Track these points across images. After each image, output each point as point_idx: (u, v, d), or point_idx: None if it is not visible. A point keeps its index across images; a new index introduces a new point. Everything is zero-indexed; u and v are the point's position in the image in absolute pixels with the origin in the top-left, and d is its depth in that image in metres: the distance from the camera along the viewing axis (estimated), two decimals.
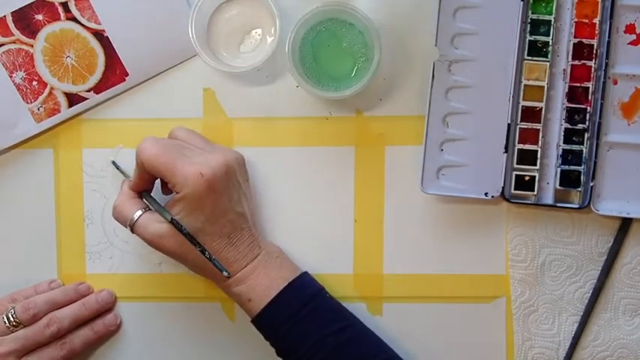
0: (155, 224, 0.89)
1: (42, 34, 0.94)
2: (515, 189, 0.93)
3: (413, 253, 0.96)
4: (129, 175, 0.94)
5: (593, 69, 0.92)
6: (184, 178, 0.86)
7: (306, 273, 0.92)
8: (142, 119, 0.97)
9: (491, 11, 0.92)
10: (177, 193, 0.88)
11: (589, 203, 0.92)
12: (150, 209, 0.91)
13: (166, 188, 0.93)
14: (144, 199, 0.92)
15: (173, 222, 0.87)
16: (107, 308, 0.97)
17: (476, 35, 0.92)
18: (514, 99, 0.92)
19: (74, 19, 0.94)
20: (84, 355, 0.97)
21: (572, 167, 0.92)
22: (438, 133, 0.93)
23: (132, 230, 0.90)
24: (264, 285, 0.90)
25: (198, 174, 0.86)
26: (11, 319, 0.92)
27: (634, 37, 0.92)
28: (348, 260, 0.96)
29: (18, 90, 0.95)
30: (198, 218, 0.88)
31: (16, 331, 0.92)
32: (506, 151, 0.92)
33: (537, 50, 0.92)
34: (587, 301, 0.95)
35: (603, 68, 0.91)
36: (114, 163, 0.96)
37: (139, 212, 0.90)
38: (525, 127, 0.93)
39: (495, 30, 0.92)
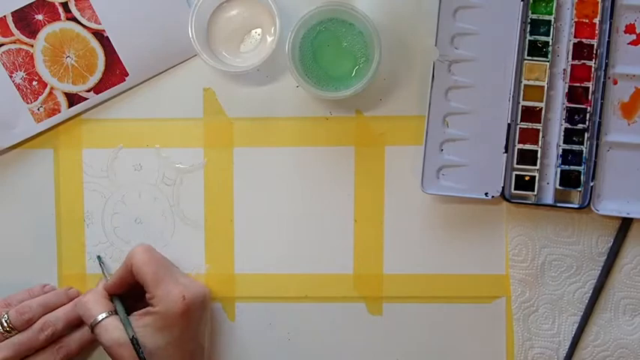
0: (118, 331, 0.88)
1: (42, 34, 0.94)
2: (515, 189, 0.93)
3: (413, 253, 0.96)
4: (109, 273, 0.95)
5: (593, 69, 0.92)
6: (166, 294, 0.88)
7: None
8: (142, 119, 0.97)
9: (491, 11, 0.92)
10: (152, 305, 0.89)
11: (589, 203, 0.92)
12: (115, 314, 0.91)
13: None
14: (113, 303, 0.92)
15: (133, 341, 0.87)
16: None
17: (476, 35, 0.92)
18: (514, 99, 0.92)
19: (74, 19, 0.94)
20: (81, 357, 0.97)
21: (572, 167, 0.92)
22: (438, 133, 0.93)
23: (92, 330, 0.90)
24: None
25: (180, 295, 0.88)
26: (5, 324, 0.91)
27: (634, 37, 0.92)
28: (348, 260, 0.96)
29: (18, 90, 0.95)
30: (163, 337, 0.88)
31: (10, 336, 0.91)
32: (506, 151, 0.92)
33: (537, 50, 0.92)
34: (587, 301, 0.95)
35: (603, 68, 0.91)
36: (99, 258, 0.97)
37: (105, 314, 0.90)
38: (525, 127, 0.93)
39: (495, 30, 0.92)
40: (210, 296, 0.94)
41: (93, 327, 0.89)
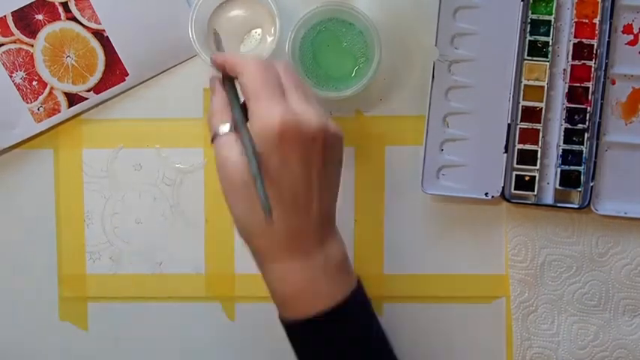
0: (234, 150, 0.75)
1: (42, 34, 0.94)
2: (515, 189, 0.93)
3: (413, 253, 0.96)
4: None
5: (593, 69, 0.92)
6: (262, 112, 0.74)
7: (357, 294, 0.80)
8: (142, 119, 0.97)
9: (491, 11, 0.92)
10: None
11: (589, 203, 0.92)
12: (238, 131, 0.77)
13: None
14: (226, 87, 0.81)
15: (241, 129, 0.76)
16: None
17: (476, 35, 0.92)
18: (514, 99, 0.92)
19: (74, 19, 0.94)
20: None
21: (572, 167, 0.92)
22: (438, 133, 0.93)
23: (212, 141, 0.78)
24: (305, 296, 0.77)
25: (278, 116, 0.73)
26: None
27: (631, 37, 0.92)
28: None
29: (18, 90, 0.95)
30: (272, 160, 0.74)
31: None
32: (506, 151, 0.92)
33: (537, 50, 0.92)
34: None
35: (603, 68, 0.91)
36: (215, 33, 0.89)
37: (227, 126, 0.76)
38: (525, 127, 0.93)
39: (495, 30, 0.92)
40: (339, 135, 0.77)
41: (213, 139, 0.77)
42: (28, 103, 0.95)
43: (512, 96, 0.92)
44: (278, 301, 0.79)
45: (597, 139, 0.92)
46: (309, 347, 0.79)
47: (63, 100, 0.95)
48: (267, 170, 0.74)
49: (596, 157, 0.92)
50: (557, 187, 0.93)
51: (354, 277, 0.81)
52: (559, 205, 0.93)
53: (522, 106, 0.92)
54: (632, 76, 0.92)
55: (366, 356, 0.79)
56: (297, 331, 0.78)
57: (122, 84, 0.95)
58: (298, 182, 0.75)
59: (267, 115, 0.73)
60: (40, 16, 0.94)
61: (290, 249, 0.77)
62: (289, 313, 0.78)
